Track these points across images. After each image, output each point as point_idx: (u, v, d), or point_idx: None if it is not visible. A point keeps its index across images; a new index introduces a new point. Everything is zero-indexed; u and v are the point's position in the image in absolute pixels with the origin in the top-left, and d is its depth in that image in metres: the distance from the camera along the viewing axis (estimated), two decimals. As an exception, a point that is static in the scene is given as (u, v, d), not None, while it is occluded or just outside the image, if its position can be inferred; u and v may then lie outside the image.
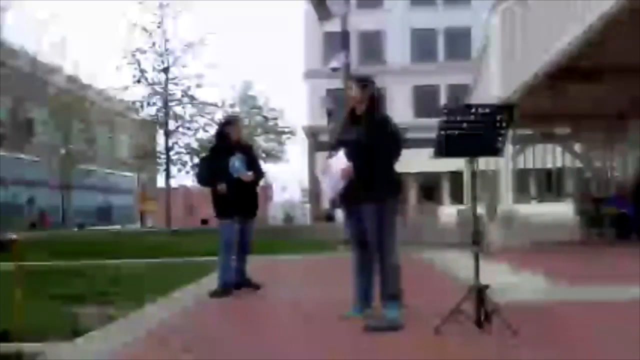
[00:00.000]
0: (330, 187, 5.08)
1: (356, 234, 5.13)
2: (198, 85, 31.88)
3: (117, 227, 40.24)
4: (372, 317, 4.96)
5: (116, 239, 21.43)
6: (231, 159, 6.90)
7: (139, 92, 31.87)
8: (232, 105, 41.31)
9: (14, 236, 4.22)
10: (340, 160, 4.95)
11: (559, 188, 19.20)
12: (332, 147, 5.18)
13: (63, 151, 37.05)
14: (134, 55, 30.96)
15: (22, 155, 36.18)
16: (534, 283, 7.26)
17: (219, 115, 36.91)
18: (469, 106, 4.67)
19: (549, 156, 18.30)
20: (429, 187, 38.22)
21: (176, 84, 31.86)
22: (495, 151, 4.68)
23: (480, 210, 14.30)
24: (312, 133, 38.11)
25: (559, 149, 18.31)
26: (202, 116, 33.55)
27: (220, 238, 7.05)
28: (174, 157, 32.66)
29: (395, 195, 5.06)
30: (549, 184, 18.96)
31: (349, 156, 4.91)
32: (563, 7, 11.09)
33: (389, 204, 4.98)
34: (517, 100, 12.00)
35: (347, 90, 5.16)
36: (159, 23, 31.09)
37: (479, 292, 4.49)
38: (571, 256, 10.91)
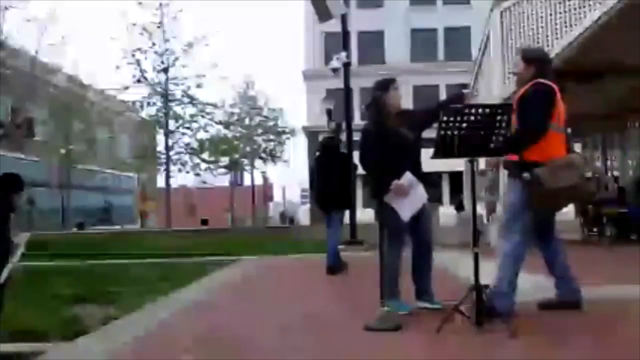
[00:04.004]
0: (409, 209, 5.26)
1: (404, 234, 5.43)
2: (198, 86, 31.92)
3: (117, 227, 40.16)
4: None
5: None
6: None
7: (139, 92, 31.95)
8: (232, 105, 41.32)
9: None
10: (409, 181, 5.22)
11: (559, 188, 19.12)
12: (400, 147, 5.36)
13: (63, 151, 37.02)
14: (134, 55, 31.02)
15: (22, 155, 36.14)
16: (534, 283, 7.25)
17: (219, 116, 37.02)
18: (469, 106, 4.67)
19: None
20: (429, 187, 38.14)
21: (176, 84, 31.91)
22: (496, 151, 4.68)
23: (480, 210, 14.30)
24: (312, 133, 38.09)
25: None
26: (203, 116, 33.58)
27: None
28: (174, 157, 32.71)
29: None
30: (549, 184, 18.86)
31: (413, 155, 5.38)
32: (563, 7, 11.10)
33: None
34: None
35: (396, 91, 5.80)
36: (159, 23, 31.14)
37: (479, 292, 4.49)
38: (571, 256, 10.85)
